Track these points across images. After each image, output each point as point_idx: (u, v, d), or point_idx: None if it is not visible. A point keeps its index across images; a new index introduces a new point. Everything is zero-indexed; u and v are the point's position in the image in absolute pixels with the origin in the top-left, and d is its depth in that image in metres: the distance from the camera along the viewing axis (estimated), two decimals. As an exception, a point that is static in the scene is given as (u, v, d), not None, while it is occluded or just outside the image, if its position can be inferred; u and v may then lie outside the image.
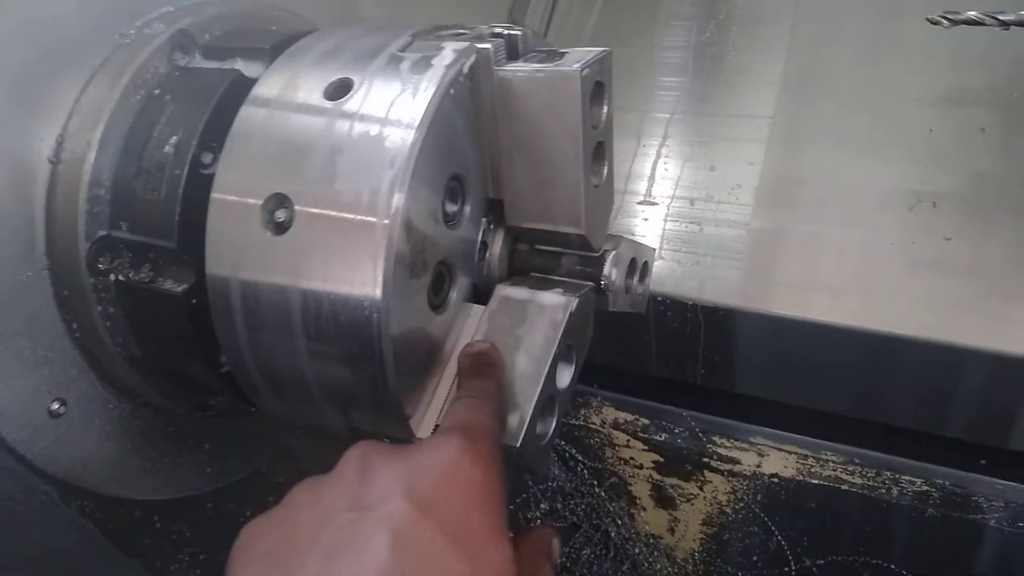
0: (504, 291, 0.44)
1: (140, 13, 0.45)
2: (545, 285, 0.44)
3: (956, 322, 0.68)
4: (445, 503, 0.30)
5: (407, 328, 0.37)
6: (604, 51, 0.42)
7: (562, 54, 0.41)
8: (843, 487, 0.83)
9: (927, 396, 0.72)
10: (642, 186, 0.80)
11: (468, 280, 0.43)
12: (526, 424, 0.39)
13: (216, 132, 0.40)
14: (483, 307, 0.43)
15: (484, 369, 0.39)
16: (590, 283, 0.45)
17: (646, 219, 0.80)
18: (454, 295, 0.42)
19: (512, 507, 0.94)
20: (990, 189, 0.70)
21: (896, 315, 0.69)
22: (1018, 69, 0.72)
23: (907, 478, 0.81)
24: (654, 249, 0.58)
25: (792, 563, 0.89)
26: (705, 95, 0.83)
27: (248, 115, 0.39)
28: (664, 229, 0.78)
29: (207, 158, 0.41)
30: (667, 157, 0.80)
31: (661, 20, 0.88)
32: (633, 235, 0.79)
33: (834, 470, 0.84)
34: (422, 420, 0.41)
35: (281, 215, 0.37)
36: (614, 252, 0.45)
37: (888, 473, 0.81)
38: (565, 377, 0.44)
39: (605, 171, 0.46)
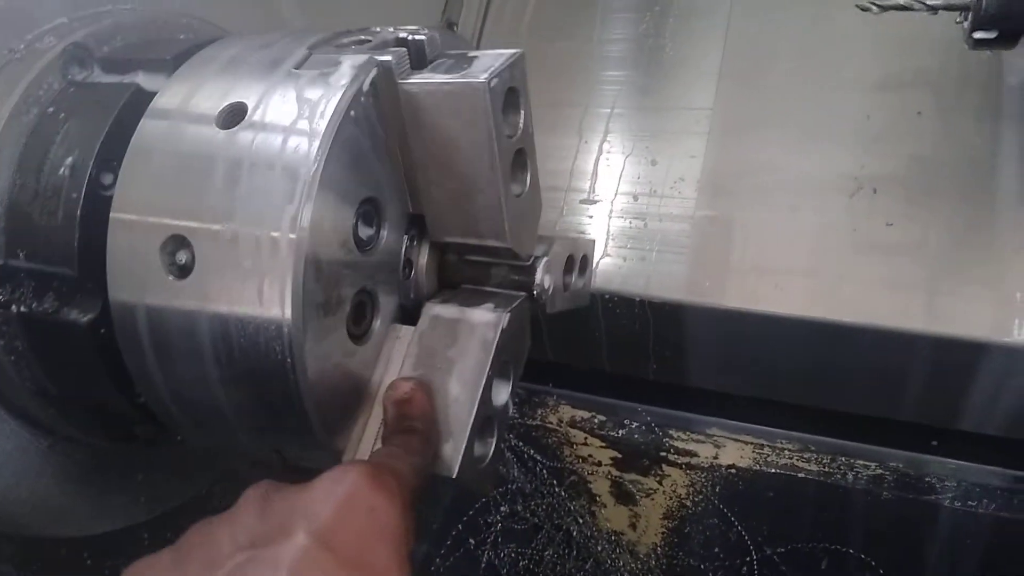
0: (433, 310, 0.42)
1: (30, 27, 0.42)
2: (476, 299, 0.42)
3: (901, 307, 0.68)
4: (344, 534, 0.29)
5: (326, 367, 0.35)
6: (516, 53, 0.39)
7: (471, 59, 0.39)
8: (799, 475, 0.83)
9: (877, 381, 0.73)
10: (585, 183, 0.79)
11: (394, 300, 0.41)
12: (461, 452, 0.38)
13: (115, 150, 0.38)
14: (412, 328, 0.41)
15: (408, 423, 0.37)
16: (523, 293, 0.43)
17: (591, 216, 0.79)
18: (377, 323, 0.40)
19: (472, 512, 0.93)
20: (929, 172, 0.70)
21: (842, 302, 0.69)
22: (950, 52, 0.72)
23: (861, 462, 0.81)
24: (593, 241, 0.56)
25: (753, 552, 0.89)
26: (645, 88, 0.82)
27: (148, 129, 0.37)
28: (609, 225, 0.77)
29: (107, 179, 0.38)
30: (609, 153, 0.79)
31: (599, 13, 0.87)
32: (579, 232, 0.78)
33: (790, 458, 0.84)
34: (355, 454, 0.39)
35: (182, 257, 0.35)
36: (545, 259, 0.44)
37: (843, 458, 0.82)
38: (502, 395, 0.42)
39: (528, 178, 0.43)
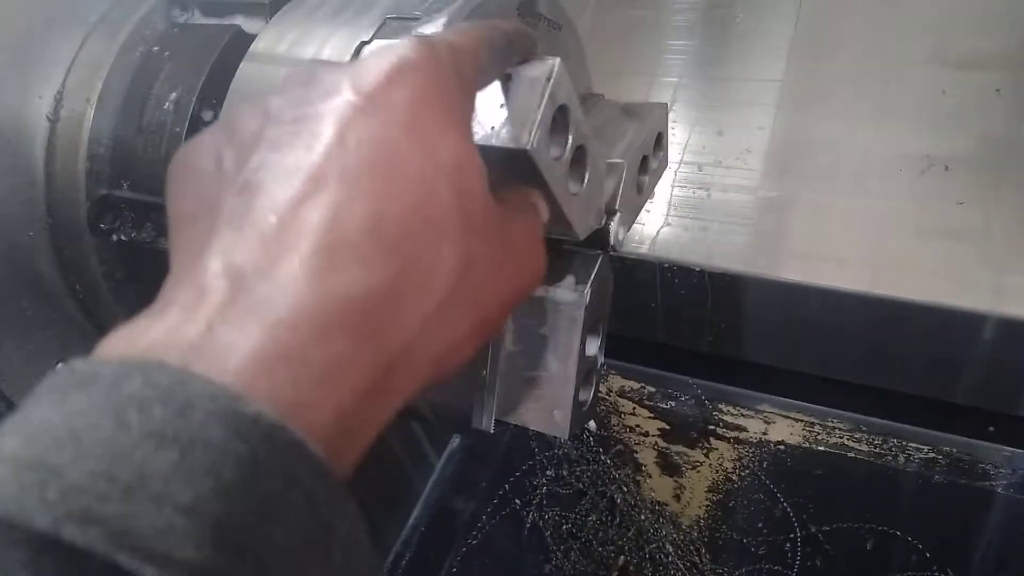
0: None
1: (137, -31, 0.44)
2: (556, 268, 0.43)
3: (966, 287, 0.67)
4: (397, 96, 0.26)
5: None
6: (552, 66, 0.34)
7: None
8: (849, 454, 0.83)
9: (935, 362, 0.72)
10: (649, 151, 0.79)
11: None
12: (569, 418, 0.41)
13: (216, 89, 0.40)
14: None
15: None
16: (600, 251, 0.44)
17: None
18: None
19: (518, 474, 0.95)
20: (1003, 152, 0.69)
21: (905, 281, 0.69)
22: (1035, 29, 0.71)
23: (914, 445, 0.81)
24: (665, 106, 0.53)
25: (798, 530, 0.90)
26: (713, 58, 0.81)
27: (247, 72, 0.38)
28: (671, 195, 0.77)
29: (207, 115, 0.40)
30: (675, 122, 0.79)
31: (669, -18, 0.86)
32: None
33: (840, 437, 0.84)
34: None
35: None
36: (617, 215, 0.44)
37: (895, 440, 0.81)
38: (594, 347, 0.45)
39: (587, 174, 0.39)
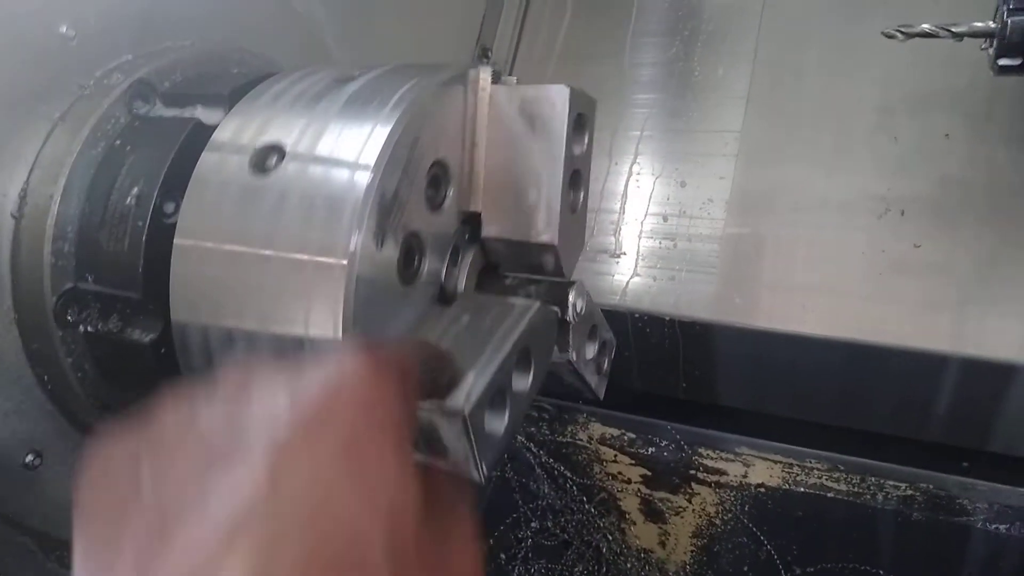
0: (470, 294, 0.45)
1: (99, 64, 0.45)
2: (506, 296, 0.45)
3: (930, 329, 0.68)
4: (337, 426, 0.25)
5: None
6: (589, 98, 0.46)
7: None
8: (829, 494, 0.83)
9: (906, 402, 0.73)
10: (616, 204, 0.81)
11: (435, 280, 0.44)
12: (479, 392, 0.37)
13: (178, 181, 0.40)
14: (447, 308, 0.44)
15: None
16: (555, 307, 0.45)
17: (623, 236, 0.80)
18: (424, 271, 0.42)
19: (502, 528, 0.94)
20: (956, 194, 0.71)
21: (870, 324, 0.70)
22: (979, 73, 0.73)
23: (891, 483, 0.81)
24: (615, 341, 0.56)
25: (782, 571, 0.90)
26: (675, 111, 0.83)
27: (209, 161, 0.39)
28: (639, 246, 0.79)
29: (169, 207, 0.41)
30: (639, 175, 0.81)
31: (629, 38, 0.89)
32: (609, 253, 0.80)
33: (819, 478, 0.84)
34: None
35: None
36: (579, 284, 0.45)
37: (873, 479, 0.82)
38: (522, 382, 0.43)
39: (580, 200, 0.47)
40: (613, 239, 0.81)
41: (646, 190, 0.80)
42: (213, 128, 0.41)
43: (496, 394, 0.39)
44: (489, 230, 0.45)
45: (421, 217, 0.40)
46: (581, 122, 0.45)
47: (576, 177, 0.46)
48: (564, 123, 0.42)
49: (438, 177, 0.42)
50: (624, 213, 0.81)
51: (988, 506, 0.78)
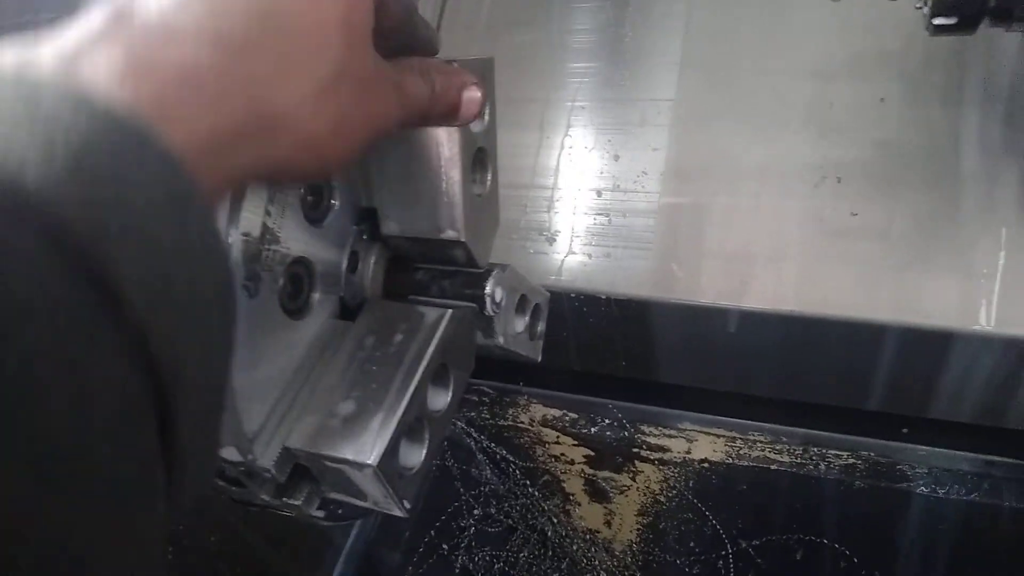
0: (376, 304, 0.40)
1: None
2: (419, 303, 0.41)
3: (869, 298, 0.67)
4: None
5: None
6: (486, 60, 0.41)
7: None
8: (772, 467, 0.83)
9: (847, 372, 0.72)
10: (548, 180, 0.77)
11: (335, 294, 0.40)
12: (386, 443, 0.34)
13: None
14: (350, 323, 0.40)
15: None
16: (471, 304, 0.42)
17: (556, 213, 0.77)
18: (316, 297, 0.37)
19: (444, 518, 0.92)
20: (893, 160, 0.69)
21: (809, 294, 0.68)
22: (914, 36, 0.71)
23: (833, 452, 0.81)
24: (548, 295, 0.54)
25: (729, 546, 0.89)
26: (607, 80, 0.80)
27: None
28: (573, 223, 0.76)
29: None
30: (571, 148, 0.77)
31: (557, 3, 0.85)
32: (542, 231, 0.77)
33: (762, 450, 0.83)
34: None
35: None
36: (498, 271, 0.42)
37: (815, 449, 0.81)
38: (439, 400, 0.40)
39: (488, 180, 0.42)
40: (547, 216, 0.77)
41: (579, 164, 0.77)
42: None
43: (412, 427, 0.36)
44: (388, 227, 0.41)
45: (302, 239, 0.36)
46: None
47: (481, 155, 0.42)
48: None
49: (318, 186, 0.37)
50: (557, 189, 0.78)
51: (928, 471, 0.78)
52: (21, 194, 0.18)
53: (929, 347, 0.66)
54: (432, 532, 0.88)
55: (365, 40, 0.30)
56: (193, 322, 0.22)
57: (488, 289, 0.41)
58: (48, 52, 0.22)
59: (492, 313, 0.41)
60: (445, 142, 0.38)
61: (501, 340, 0.43)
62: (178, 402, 0.21)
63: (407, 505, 0.35)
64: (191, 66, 0.24)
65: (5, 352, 0.16)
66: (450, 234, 0.40)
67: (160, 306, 0.20)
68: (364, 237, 0.40)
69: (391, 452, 0.34)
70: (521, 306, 0.47)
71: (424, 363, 0.36)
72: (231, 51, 0.25)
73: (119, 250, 0.19)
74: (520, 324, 0.47)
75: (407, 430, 0.36)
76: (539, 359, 0.50)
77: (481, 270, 0.42)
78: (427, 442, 0.37)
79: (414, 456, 0.37)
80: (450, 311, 0.38)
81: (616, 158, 0.75)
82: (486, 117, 0.42)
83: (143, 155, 0.21)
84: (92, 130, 0.20)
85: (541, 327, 0.51)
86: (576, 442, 0.90)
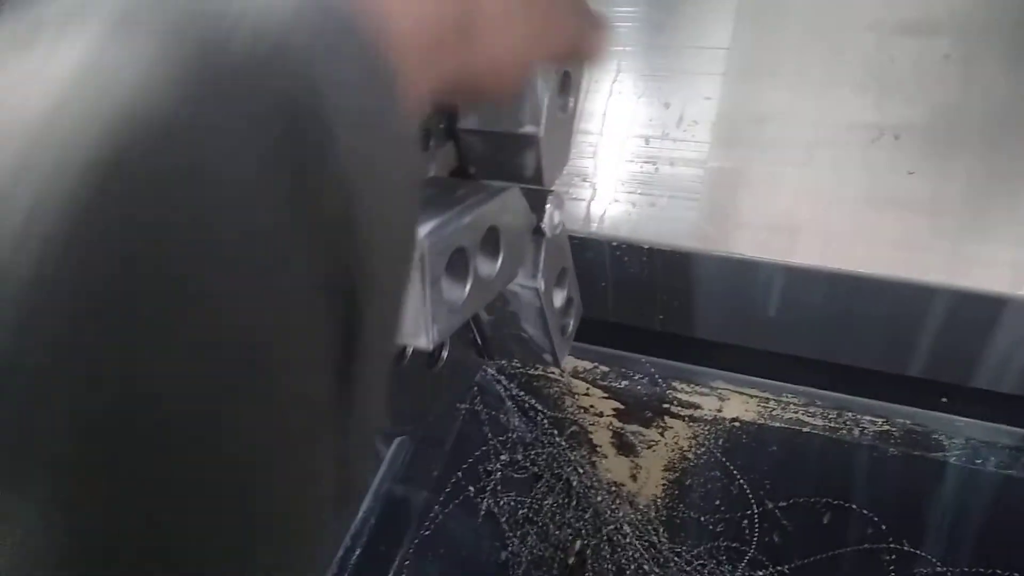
0: (437, 179, 0.41)
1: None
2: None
3: (919, 259, 0.65)
4: None
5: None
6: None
7: None
8: (804, 429, 0.82)
9: (889, 335, 0.71)
10: (595, 125, 0.76)
11: None
12: (556, 353, 0.44)
13: None
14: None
15: None
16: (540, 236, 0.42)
17: (601, 159, 0.76)
18: None
19: (471, 460, 0.92)
20: (953, 120, 0.67)
21: (857, 253, 0.67)
22: (984, -9, 0.69)
23: (868, 418, 0.80)
24: (582, 310, 0.56)
25: (755, 506, 0.89)
26: (659, 25, 0.78)
27: None
28: (618, 170, 0.74)
29: None
30: (620, 94, 0.76)
31: (612, -54, 0.83)
32: (585, 178, 0.76)
33: (795, 412, 0.83)
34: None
35: None
36: (558, 195, 0.41)
37: (849, 414, 0.80)
38: (488, 267, 0.39)
39: (571, 105, 0.43)
40: (591, 162, 0.76)
41: (627, 110, 0.75)
42: None
43: (456, 255, 0.35)
44: (467, 122, 0.41)
45: None
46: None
47: (566, 80, 0.42)
48: None
49: None
50: (603, 135, 0.76)
51: (964, 442, 0.77)
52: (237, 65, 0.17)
53: (978, 313, 0.65)
54: (459, 474, 0.89)
55: None
56: (390, 215, 0.22)
57: (550, 207, 0.40)
58: None
59: (548, 233, 0.41)
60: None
61: (542, 286, 0.43)
62: (365, 300, 0.20)
63: (435, 335, 0.34)
64: None
65: (201, 234, 0.16)
66: (529, 129, 0.40)
67: (364, 186, 0.20)
68: (440, 126, 0.40)
69: (440, 244, 0.34)
70: (560, 282, 0.48)
71: (485, 206, 0.36)
72: None
73: (331, 129, 0.19)
74: (559, 297, 0.47)
75: (455, 252, 0.35)
76: (562, 363, 0.49)
77: (544, 188, 0.41)
78: (469, 289, 0.37)
79: (456, 292, 0.37)
80: (516, 186, 0.39)
81: (666, 105, 0.73)
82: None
83: (351, 45, 0.20)
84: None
85: (572, 328, 0.51)
86: (606, 394, 0.90)
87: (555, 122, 0.41)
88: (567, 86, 0.44)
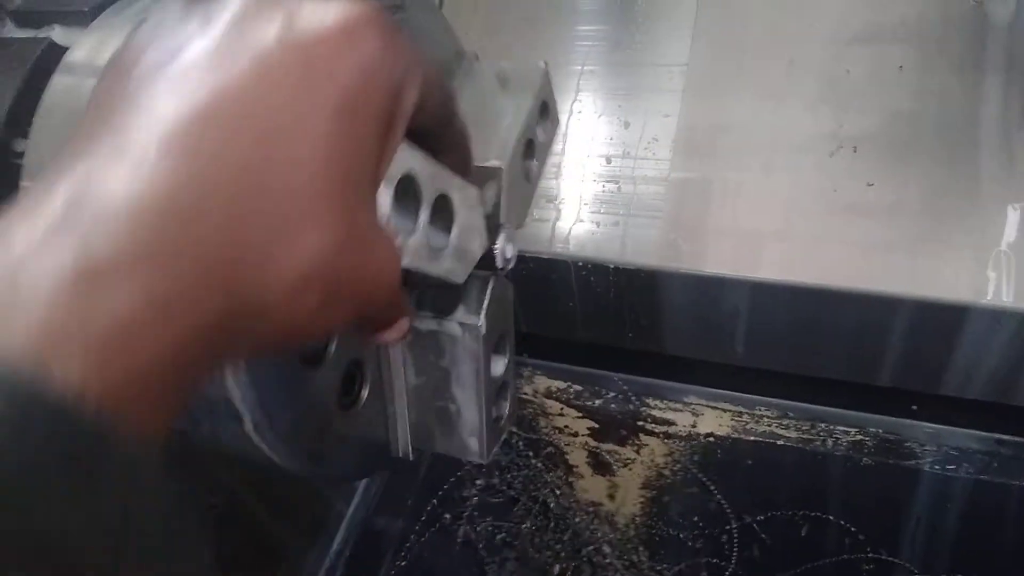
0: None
1: (-68, -24, 0.38)
2: (446, 297, 0.41)
3: (883, 270, 0.65)
4: (324, 52, 0.22)
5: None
6: (537, 67, 0.45)
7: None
8: (779, 442, 0.82)
9: (857, 346, 0.71)
10: (557, 145, 0.76)
11: None
12: (485, 442, 0.41)
13: (28, 113, 0.34)
14: None
15: None
16: (490, 272, 0.40)
17: (564, 179, 0.76)
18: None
19: (446, 487, 0.91)
20: (910, 130, 0.68)
21: (822, 266, 0.67)
22: (933, 2, 0.69)
23: (841, 428, 0.80)
24: (543, 68, 0.48)
25: (733, 521, 0.88)
26: (618, 43, 0.78)
27: (60, 85, 0.33)
28: (581, 190, 0.74)
29: (19, 145, 0.35)
30: (580, 113, 0.76)
31: (568, -34, 0.83)
32: (549, 199, 0.75)
33: (769, 425, 0.82)
34: None
35: None
36: (506, 228, 0.40)
37: (822, 425, 0.80)
38: (500, 367, 0.43)
39: (535, 168, 0.46)
40: (555, 183, 0.76)
41: (588, 130, 0.75)
42: (67, 50, 0.35)
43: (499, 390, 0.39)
44: None
45: None
46: (545, 111, 0.46)
47: (530, 146, 0.44)
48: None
49: None
50: (565, 155, 0.76)
51: (936, 448, 0.77)
52: None
53: (942, 321, 0.65)
54: (435, 501, 0.87)
55: (370, 194, 0.25)
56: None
57: (499, 251, 0.39)
58: None
59: (499, 265, 0.40)
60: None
61: (484, 327, 0.40)
62: None
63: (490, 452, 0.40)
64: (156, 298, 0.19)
65: None
66: (493, 162, 0.40)
67: None
68: None
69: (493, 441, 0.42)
70: (500, 346, 0.44)
71: (480, 377, 0.40)
72: (200, 233, 0.20)
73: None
74: (498, 365, 0.43)
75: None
76: (487, 460, 0.43)
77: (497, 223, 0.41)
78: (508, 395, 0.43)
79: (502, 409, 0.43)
80: (483, 318, 0.39)
81: (626, 124, 0.73)
82: (549, 124, 0.47)
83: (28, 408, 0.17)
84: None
85: (506, 417, 0.46)
86: (580, 414, 0.89)
87: (516, 202, 0.42)
88: (531, 150, 0.45)
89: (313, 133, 0.22)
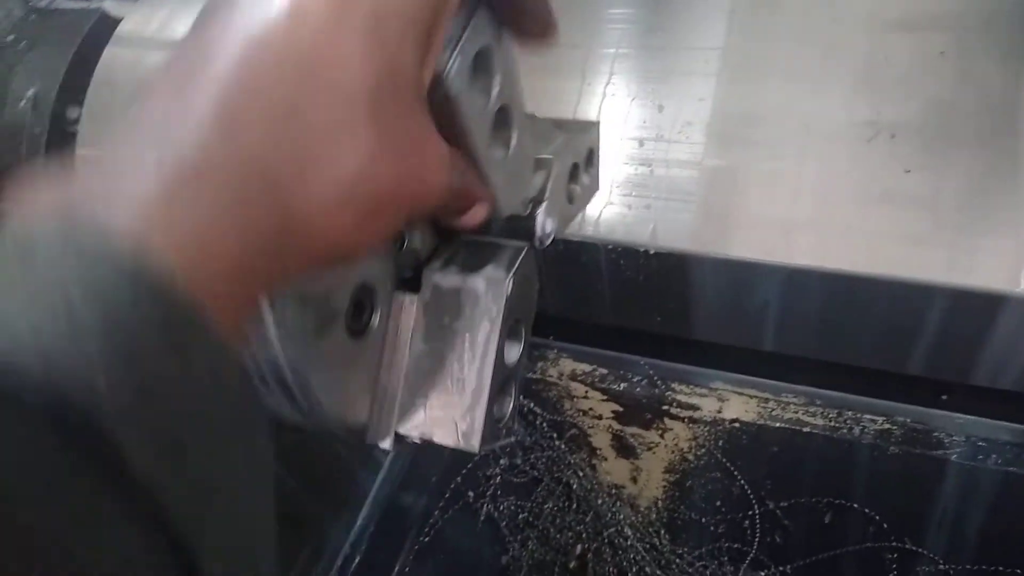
0: (433, 278, 0.39)
1: (-13, -53, 0.39)
2: (476, 258, 0.39)
3: (917, 258, 0.65)
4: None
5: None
6: (592, 123, 0.45)
7: None
8: (804, 429, 0.82)
9: (888, 334, 0.70)
10: (589, 127, 0.76)
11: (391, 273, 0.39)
12: (481, 428, 0.36)
13: (82, 82, 0.35)
14: (414, 296, 0.39)
15: None
16: (524, 242, 0.40)
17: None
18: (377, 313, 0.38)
19: (470, 466, 0.92)
20: (949, 117, 0.67)
21: (856, 253, 0.66)
22: (978, -13, 0.68)
23: (868, 417, 0.79)
24: (597, 124, 0.51)
25: (756, 507, 0.89)
26: (652, 27, 0.78)
27: (113, 57, 0.34)
28: (613, 172, 0.74)
29: (73, 113, 0.36)
30: (614, 96, 0.75)
31: (604, -53, 0.82)
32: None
33: (795, 412, 0.82)
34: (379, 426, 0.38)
35: None
36: (545, 204, 0.40)
37: (850, 413, 0.80)
38: (514, 354, 0.40)
39: (514, 138, 0.38)
40: (586, 165, 0.76)
41: (621, 112, 0.75)
42: (119, 21, 0.35)
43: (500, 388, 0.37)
44: None
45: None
46: (591, 159, 0.48)
47: (575, 172, 0.45)
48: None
49: None
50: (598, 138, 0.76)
51: (964, 439, 0.77)
52: (16, 369, 0.17)
53: (977, 310, 0.64)
54: (459, 479, 0.88)
55: (412, 101, 0.26)
56: (211, 473, 0.21)
57: (538, 228, 0.39)
58: (78, 189, 0.21)
59: (536, 240, 0.40)
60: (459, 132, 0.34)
61: (509, 286, 0.40)
62: (203, 562, 0.20)
63: (484, 446, 0.37)
64: (228, 209, 0.22)
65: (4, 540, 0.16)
66: (545, 155, 0.41)
67: (169, 463, 0.19)
68: None
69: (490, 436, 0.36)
70: (573, 173, 0.46)
71: (495, 345, 0.37)
72: (247, 153, 0.22)
73: (116, 416, 0.18)
74: (512, 351, 0.41)
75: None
76: (478, 451, 0.39)
77: (527, 211, 0.40)
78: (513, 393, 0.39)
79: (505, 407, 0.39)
80: (511, 280, 0.38)
81: (660, 108, 0.73)
82: (496, 84, 0.40)
83: (138, 294, 0.19)
84: (83, 267, 0.19)
85: (506, 419, 0.41)
86: (605, 397, 0.90)
87: (558, 202, 0.42)
88: (575, 177, 0.46)
89: (345, 52, 0.23)
